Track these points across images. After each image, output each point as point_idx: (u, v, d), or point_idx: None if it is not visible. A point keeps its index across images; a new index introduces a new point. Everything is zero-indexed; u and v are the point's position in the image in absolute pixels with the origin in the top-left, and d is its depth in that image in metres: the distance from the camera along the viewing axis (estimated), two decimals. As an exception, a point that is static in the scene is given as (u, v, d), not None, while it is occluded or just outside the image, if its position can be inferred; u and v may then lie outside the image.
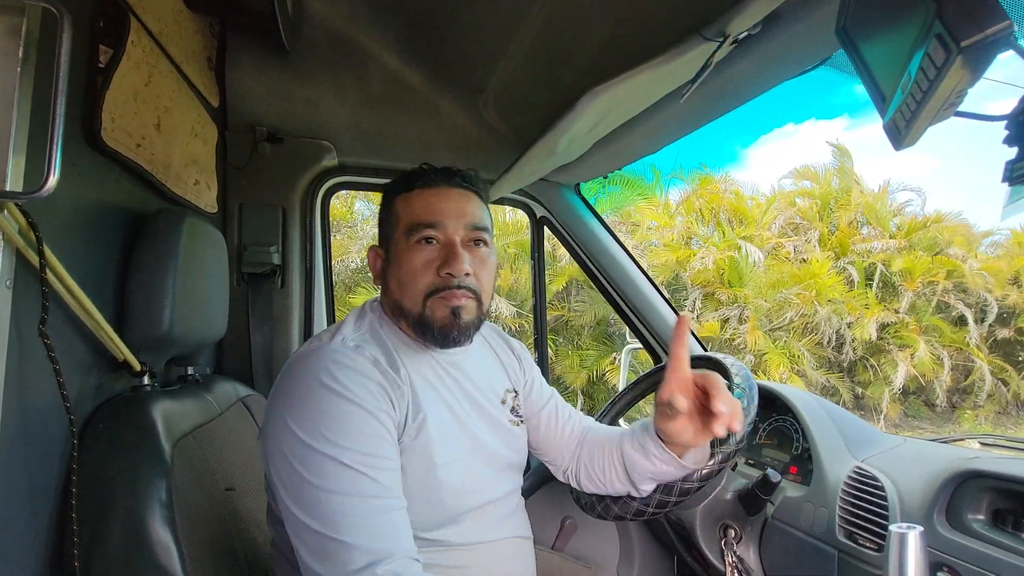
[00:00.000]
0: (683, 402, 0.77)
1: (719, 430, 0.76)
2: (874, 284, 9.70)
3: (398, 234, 0.84)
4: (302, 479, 0.69)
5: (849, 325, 9.29)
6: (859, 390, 9.75)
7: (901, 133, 0.65)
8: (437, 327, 0.81)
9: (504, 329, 0.97)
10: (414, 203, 0.84)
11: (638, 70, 0.87)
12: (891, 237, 10.00)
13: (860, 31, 0.70)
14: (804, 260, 9.81)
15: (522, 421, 0.98)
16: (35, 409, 0.71)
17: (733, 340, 8.91)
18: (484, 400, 0.90)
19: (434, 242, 0.82)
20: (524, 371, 1.03)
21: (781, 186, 11.02)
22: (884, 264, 9.75)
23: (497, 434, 0.91)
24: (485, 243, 0.86)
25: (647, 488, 0.94)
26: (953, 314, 9.78)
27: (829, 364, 9.58)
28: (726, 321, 8.93)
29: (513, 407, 0.96)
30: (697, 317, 9.11)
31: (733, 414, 0.76)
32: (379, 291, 0.91)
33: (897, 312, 9.50)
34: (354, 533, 0.67)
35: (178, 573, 0.74)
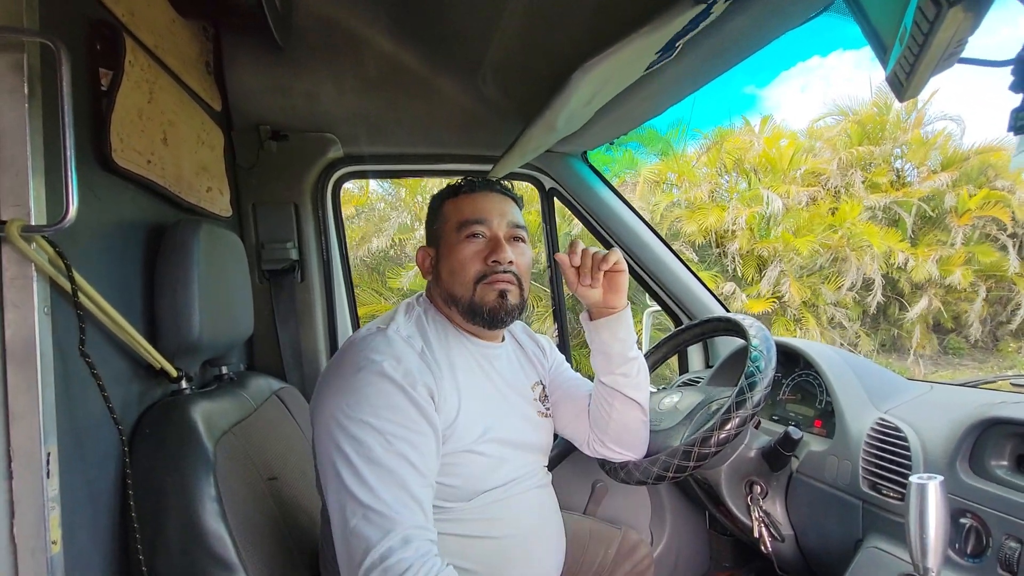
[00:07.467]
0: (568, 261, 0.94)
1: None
2: (909, 224, 9.29)
3: (448, 231, 0.94)
4: (347, 452, 0.75)
5: (907, 267, 8.97)
6: (895, 331, 9.50)
7: (903, 85, 0.63)
8: (487, 309, 0.91)
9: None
10: (462, 204, 0.95)
11: (628, 40, 0.84)
12: (943, 169, 9.47)
13: (857, -22, 0.67)
14: (835, 204, 9.44)
15: (549, 413, 1.06)
16: (86, 422, 0.77)
17: (782, 296, 8.83)
18: (515, 392, 1.00)
19: (481, 237, 0.92)
20: (548, 358, 1.13)
21: (813, 125, 10.51)
22: (924, 202, 9.30)
23: (527, 423, 1.00)
24: (523, 240, 0.97)
25: (629, 389, 1.00)
26: (997, 244, 9.36)
27: (856, 307, 9.36)
28: (776, 297, 8.78)
29: (541, 399, 1.06)
30: (740, 277, 9.00)
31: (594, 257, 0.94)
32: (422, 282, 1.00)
33: (945, 244, 9.13)
34: (395, 505, 0.73)
35: (234, 560, 0.81)
